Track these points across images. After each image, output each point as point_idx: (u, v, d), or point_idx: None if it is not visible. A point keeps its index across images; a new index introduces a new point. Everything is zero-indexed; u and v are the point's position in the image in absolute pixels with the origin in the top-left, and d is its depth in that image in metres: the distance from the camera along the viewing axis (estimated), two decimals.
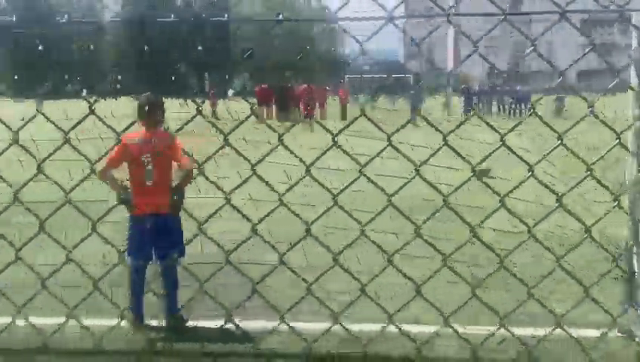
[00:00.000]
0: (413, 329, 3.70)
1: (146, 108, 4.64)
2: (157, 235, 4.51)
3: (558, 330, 3.29)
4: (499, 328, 3.33)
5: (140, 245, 4.57)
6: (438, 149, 2.95)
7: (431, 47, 67.45)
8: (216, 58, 58.09)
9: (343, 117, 27.92)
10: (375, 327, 3.64)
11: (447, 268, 3.14)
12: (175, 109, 5.86)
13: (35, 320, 3.69)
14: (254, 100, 28.46)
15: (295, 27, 60.75)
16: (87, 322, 3.74)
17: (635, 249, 4.02)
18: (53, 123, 3.01)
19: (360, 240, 3.08)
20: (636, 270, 4.08)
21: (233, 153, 2.98)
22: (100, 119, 3.02)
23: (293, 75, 30.23)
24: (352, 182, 3.01)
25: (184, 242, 4.56)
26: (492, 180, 3.35)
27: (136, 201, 4.55)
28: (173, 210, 4.57)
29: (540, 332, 3.50)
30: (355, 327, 3.67)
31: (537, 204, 3.45)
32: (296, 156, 2.95)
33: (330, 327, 3.38)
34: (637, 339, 4.11)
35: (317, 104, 28.24)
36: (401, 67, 40.33)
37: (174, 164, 4.64)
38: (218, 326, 3.59)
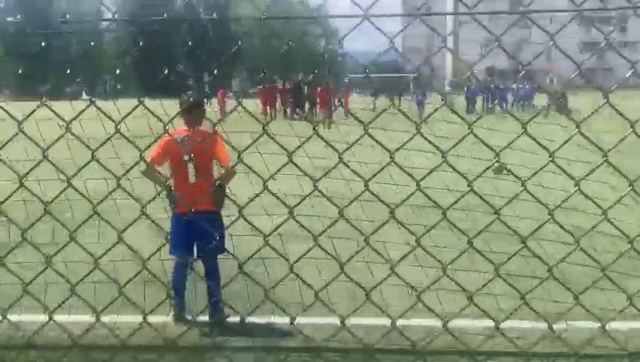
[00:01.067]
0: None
1: (188, 107, 4.73)
2: (199, 232, 4.46)
3: None
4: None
5: (182, 242, 4.60)
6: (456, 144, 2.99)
7: (429, 45, 67.43)
8: (219, 58, 58.03)
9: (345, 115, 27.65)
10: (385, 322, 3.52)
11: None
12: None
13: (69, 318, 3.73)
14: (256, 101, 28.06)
15: (288, 24, 60.22)
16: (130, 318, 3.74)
17: None
18: (110, 116, 2.99)
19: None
20: None
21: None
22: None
23: (301, 74, 29.84)
24: (334, 167, 2.93)
25: (225, 238, 4.61)
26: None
27: (178, 199, 4.62)
28: (215, 207, 4.64)
29: None
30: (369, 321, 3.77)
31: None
32: (279, 145, 2.93)
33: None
34: None
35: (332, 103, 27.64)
36: (399, 67, 40.07)
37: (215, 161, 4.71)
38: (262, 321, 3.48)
